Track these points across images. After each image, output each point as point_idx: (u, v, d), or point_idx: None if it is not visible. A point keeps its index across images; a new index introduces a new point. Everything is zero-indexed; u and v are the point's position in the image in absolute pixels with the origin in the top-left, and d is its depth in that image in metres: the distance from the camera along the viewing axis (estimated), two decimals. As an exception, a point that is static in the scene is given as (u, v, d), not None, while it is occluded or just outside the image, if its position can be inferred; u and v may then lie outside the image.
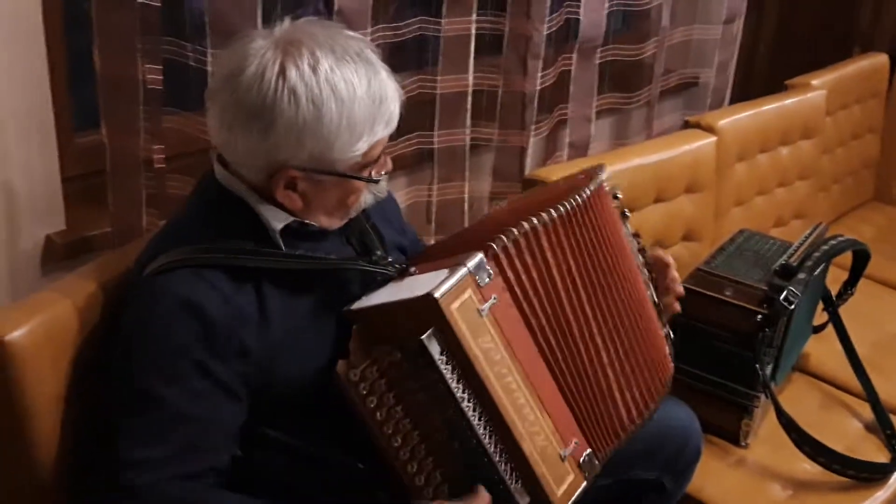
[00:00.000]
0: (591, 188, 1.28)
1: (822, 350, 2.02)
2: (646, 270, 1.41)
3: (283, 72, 1.12)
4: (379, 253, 1.28)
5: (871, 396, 1.89)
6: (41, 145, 1.49)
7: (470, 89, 1.97)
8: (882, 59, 2.84)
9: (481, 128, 2.08)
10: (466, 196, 2.08)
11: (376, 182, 1.24)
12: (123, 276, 1.25)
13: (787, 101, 2.40)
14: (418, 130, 1.99)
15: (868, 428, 1.87)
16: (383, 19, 1.82)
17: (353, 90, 1.14)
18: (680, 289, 1.47)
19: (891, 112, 2.91)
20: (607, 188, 1.35)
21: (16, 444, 1.15)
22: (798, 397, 1.93)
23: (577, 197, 1.25)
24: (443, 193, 2.06)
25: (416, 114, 1.99)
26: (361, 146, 1.17)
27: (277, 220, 1.20)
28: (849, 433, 1.85)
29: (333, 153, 1.16)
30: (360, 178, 1.21)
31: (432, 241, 1.98)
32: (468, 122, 2.00)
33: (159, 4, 1.45)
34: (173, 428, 1.11)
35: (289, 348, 1.18)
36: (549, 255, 1.21)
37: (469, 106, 1.99)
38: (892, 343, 2.17)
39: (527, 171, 2.11)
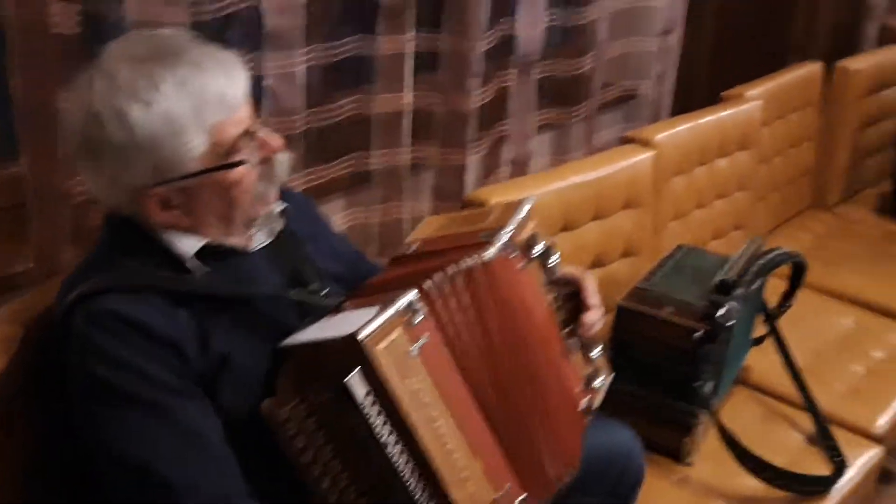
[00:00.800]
0: (492, 253, 1.20)
1: (764, 362, 2.03)
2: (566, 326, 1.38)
3: (86, 101, 1.10)
4: (314, 285, 1.25)
5: (811, 408, 1.90)
6: (-43, 179, 1.43)
7: (408, 108, 1.94)
8: (816, 68, 2.87)
9: (421, 147, 2.06)
10: (407, 217, 2.05)
11: (235, 166, 1.14)
12: (45, 315, 1.20)
13: (723, 113, 2.41)
14: (355, 151, 1.96)
15: (810, 440, 1.88)
16: (317, 39, 1.78)
17: (156, 92, 1.08)
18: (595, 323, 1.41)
19: (825, 119, 2.95)
20: (524, 236, 1.30)
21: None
22: (740, 410, 1.94)
23: (476, 257, 1.19)
24: (383, 215, 2.04)
25: (353, 134, 1.96)
26: (194, 140, 1.10)
27: (188, 246, 1.16)
28: (791, 446, 1.87)
29: (169, 158, 1.10)
30: (221, 168, 1.13)
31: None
32: (408, 141, 1.98)
33: (79, 31, 1.40)
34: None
35: (226, 378, 1.14)
36: (476, 299, 1.19)
37: (408, 125, 1.96)
38: (830, 351, 2.21)
39: (468, 190, 2.09)
